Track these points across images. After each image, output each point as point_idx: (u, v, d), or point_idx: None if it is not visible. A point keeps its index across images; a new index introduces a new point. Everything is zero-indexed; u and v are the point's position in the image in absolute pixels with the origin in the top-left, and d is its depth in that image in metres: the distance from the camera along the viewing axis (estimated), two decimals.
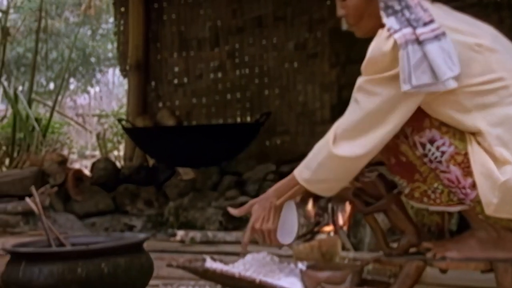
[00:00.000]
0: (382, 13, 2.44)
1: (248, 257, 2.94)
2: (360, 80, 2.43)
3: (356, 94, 2.45)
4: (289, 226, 2.71)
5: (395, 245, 2.67)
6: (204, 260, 2.89)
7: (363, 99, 2.42)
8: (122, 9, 8.78)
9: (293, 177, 2.59)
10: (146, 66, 8.56)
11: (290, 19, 7.64)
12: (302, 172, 2.55)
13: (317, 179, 2.51)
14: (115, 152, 12.56)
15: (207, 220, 6.19)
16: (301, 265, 2.87)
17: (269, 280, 2.69)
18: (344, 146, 2.44)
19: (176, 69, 8.50)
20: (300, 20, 7.55)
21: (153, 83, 8.60)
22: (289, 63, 7.66)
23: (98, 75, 18.57)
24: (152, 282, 2.74)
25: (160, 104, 8.53)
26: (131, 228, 6.53)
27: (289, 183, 2.63)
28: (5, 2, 13.56)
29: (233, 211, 2.81)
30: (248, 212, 2.73)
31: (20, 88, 12.79)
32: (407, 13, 2.39)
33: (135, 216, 6.81)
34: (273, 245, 2.68)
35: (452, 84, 2.33)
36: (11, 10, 11.36)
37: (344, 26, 2.65)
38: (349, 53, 7.03)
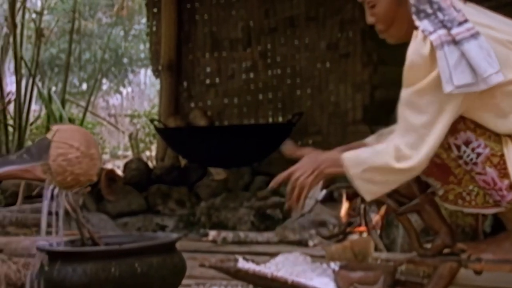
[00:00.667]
0: (414, 17, 2.42)
1: (281, 257, 2.94)
2: (404, 95, 2.39)
3: (403, 110, 2.40)
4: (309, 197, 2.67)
5: (428, 245, 2.65)
6: (236, 260, 2.89)
7: (411, 114, 2.37)
8: (155, 10, 8.82)
9: (343, 159, 2.50)
10: (178, 66, 8.58)
11: (322, 19, 7.62)
12: (353, 167, 2.45)
13: (365, 178, 2.45)
14: (147, 152, 12.62)
15: (238, 220, 6.19)
16: (334, 266, 2.86)
17: (302, 280, 2.68)
18: (402, 160, 2.39)
19: (208, 69, 8.52)
20: (332, 20, 7.53)
21: (185, 84, 8.62)
22: (321, 63, 7.64)
23: (130, 76, 18.65)
24: (184, 282, 2.74)
25: (192, 105, 8.55)
26: (163, 228, 6.56)
27: (338, 160, 2.51)
28: (39, 3, 13.68)
29: (287, 148, 2.75)
30: (297, 156, 2.65)
31: (54, 88, 12.88)
32: (440, 15, 2.37)
33: (167, 216, 6.83)
34: (294, 203, 2.58)
35: (494, 80, 2.30)
36: (45, 12, 11.45)
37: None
38: (381, 52, 6.99)
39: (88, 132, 2.71)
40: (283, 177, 2.57)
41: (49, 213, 5.60)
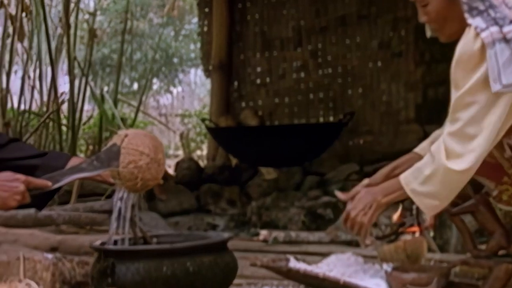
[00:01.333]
0: (467, 15, 2.38)
1: (332, 257, 2.92)
2: (453, 93, 2.37)
3: (454, 112, 2.38)
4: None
5: (482, 247, 2.61)
6: (287, 260, 2.88)
7: (462, 115, 2.35)
8: (206, 9, 8.86)
9: (398, 182, 2.53)
10: (229, 66, 8.61)
11: (374, 17, 7.58)
12: (410, 182, 2.48)
13: (424, 192, 2.44)
14: (198, 152, 12.69)
15: (289, 220, 6.18)
16: (386, 267, 2.83)
17: (353, 281, 2.66)
18: (454, 161, 2.36)
19: (259, 69, 8.53)
20: (384, 18, 7.48)
21: (236, 83, 8.65)
22: (373, 62, 7.60)
23: (181, 75, 18.78)
24: (235, 281, 2.75)
25: (243, 104, 8.57)
26: (214, 227, 6.58)
27: (395, 185, 2.55)
28: (92, 4, 13.85)
29: (340, 195, 2.77)
30: (353, 197, 2.68)
31: (105, 88, 13.04)
32: (492, 12, 2.34)
33: (218, 215, 6.85)
34: (359, 238, 2.63)
35: None
36: (98, 12, 11.59)
37: (428, 33, 2.61)
38: (434, 51, 6.93)
39: (155, 136, 2.72)
40: (344, 220, 2.62)
41: (106, 212, 5.66)
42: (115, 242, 2.71)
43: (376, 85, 7.58)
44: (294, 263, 2.84)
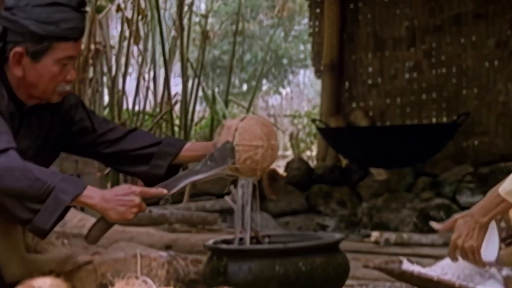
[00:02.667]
0: None
1: (446, 260, 2.86)
2: None
3: None
4: (491, 242, 2.60)
5: None
6: (400, 262, 2.84)
7: None
8: (317, 10, 8.85)
9: (498, 195, 2.47)
10: (340, 66, 8.57)
11: (491, 16, 7.40)
12: (507, 186, 2.42)
13: None
14: (308, 152, 12.68)
15: (401, 222, 6.12)
16: (505, 271, 2.75)
17: (469, 284, 2.60)
18: None
19: (370, 69, 8.46)
20: (502, 17, 7.30)
21: (346, 84, 8.60)
22: (489, 62, 7.43)
23: (290, 76, 18.82)
24: (347, 282, 2.73)
25: (354, 105, 8.52)
26: (324, 227, 6.57)
27: (494, 200, 2.50)
28: (203, 6, 14.06)
29: (436, 226, 2.74)
30: (452, 227, 2.64)
31: (216, 89, 13.20)
32: None
33: (328, 216, 6.84)
34: (477, 264, 2.57)
35: None
36: (210, 15, 11.75)
37: None
38: None
39: (264, 121, 2.70)
40: (451, 252, 2.58)
41: (217, 211, 5.73)
42: (228, 241, 2.73)
43: (492, 85, 7.40)
44: (407, 265, 2.80)
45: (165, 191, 2.56)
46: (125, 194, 2.47)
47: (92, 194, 2.44)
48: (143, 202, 2.50)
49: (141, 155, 2.85)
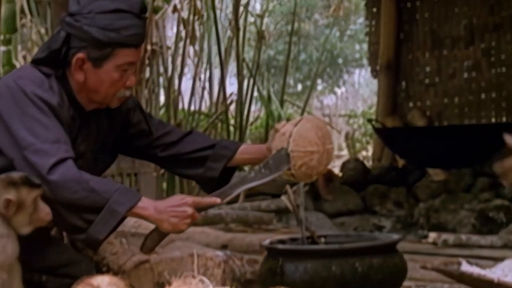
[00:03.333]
0: None
1: (507, 262, 2.81)
2: None
3: None
4: None
5: None
6: (459, 264, 2.80)
7: None
8: (374, 9, 8.81)
9: None
10: (397, 66, 8.51)
11: None
12: None
13: None
14: (363, 152, 12.61)
15: (459, 223, 6.04)
16: None
17: None
18: None
19: (428, 68, 8.39)
20: None
21: (403, 83, 8.54)
22: None
23: (345, 76, 18.76)
24: (404, 283, 2.71)
25: (411, 104, 8.46)
26: (380, 228, 6.52)
27: None
28: (258, 7, 14.09)
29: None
30: None
31: (271, 89, 13.22)
32: None
33: (384, 216, 6.79)
34: None
35: None
36: (265, 15, 11.77)
37: None
38: None
39: (319, 123, 2.68)
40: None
41: (272, 211, 5.74)
42: (284, 241, 2.73)
43: None
44: (466, 267, 2.76)
45: (218, 200, 2.57)
46: (178, 205, 2.50)
47: (146, 205, 2.47)
48: (196, 212, 2.52)
49: (196, 158, 2.87)
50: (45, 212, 2.33)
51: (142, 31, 2.66)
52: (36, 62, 2.67)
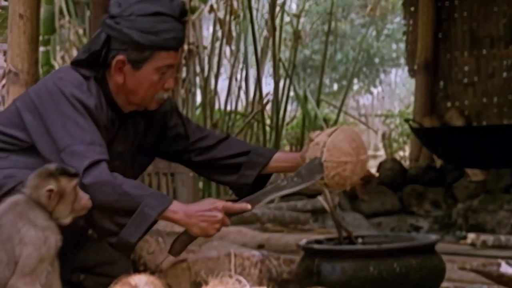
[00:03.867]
0: None
1: None
2: None
3: None
4: None
5: None
6: (499, 265, 2.77)
7: None
8: (412, 8, 8.75)
9: None
10: (435, 65, 8.45)
11: None
12: None
13: None
14: (400, 153, 12.54)
15: (498, 224, 5.99)
16: None
17: None
18: None
19: (466, 68, 8.31)
20: None
21: (441, 83, 8.47)
22: None
23: (382, 75, 18.67)
24: (442, 284, 2.68)
25: (449, 104, 8.38)
26: (417, 229, 6.49)
27: None
28: (294, 6, 14.07)
29: None
30: None
31: (307, 89, 13.21)
32: None
33: (421, 217, 6.75)
34: None
35: None
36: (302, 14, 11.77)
37: None
38: None
39: (354, 134, 2.68)
40: None
41: (309, 211, 5.73)
42: (321, 241, 2.72)
43: None
44: (506, 268, 2.73)
45: (249, 206, 2.57)
46: (209, 210, 2.50)
47: (177, 209, 2.48)
48: (226, 217, 2.52)
49: (230, 165, 2.88)
50: (85, 199, 2.37)
51: (181, 35, 2.67)
52: (76, 63, 2.70)
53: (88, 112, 2.56)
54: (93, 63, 2.65)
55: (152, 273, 2.75)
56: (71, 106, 2.54)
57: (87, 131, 2.53)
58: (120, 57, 2.61)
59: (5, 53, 4.46)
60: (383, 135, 12.90)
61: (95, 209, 2.43)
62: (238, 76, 9.95)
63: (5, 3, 5.58)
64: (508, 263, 2.81)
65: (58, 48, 8.51)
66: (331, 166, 2.58)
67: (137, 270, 2.88)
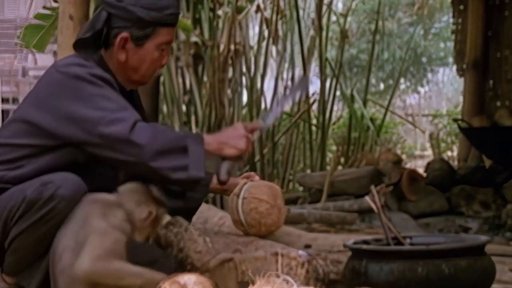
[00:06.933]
0: None
1: None
2: None
3: None
4: None
5: None
6: None
7: None
8: (461, 7, 8.65)
9: None
10: (485, 64, 8.34)
11: None
12: None
13: None
14: (449, 153, 12.42)
15: None
16: None
17: None
18: None
19: None
20: None
21: (491, 82, 8.36)
22: None
23: (429, 75, 18.52)
24: (492, 286, 2.65)
25: (498, 103, 8.26)
26: (466, 230, 6.42)
27: None
28: (340, 5, 14.03)
29: None
30: None
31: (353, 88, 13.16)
32: None
33: (470, 217, 6.68)
34: None
35: None
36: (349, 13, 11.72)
37: None
38: None
39: (273, 185, 3.07)
40: None
41: (355, 211, 5.71)
42: (368, 242, 2.70)
43: None
44: None
45: (261, 122, 2.78)
46: (231, 131, 2.63)
47: (209, 141, 2.57)
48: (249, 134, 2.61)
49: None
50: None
51: (178, 11, 2.75)
52: (79, 42, 2.71)
53: (107, 83, 2.59)
54: (94, 42, 2.67)
55: (199, 272, 2.76)
56: (89, 83, 2.56)
57: (113, 99, 2.56)
58: (124, 34, 2.64)
59: (55, 53, 4.51)
60: (431, 135, 12.76)
61: (155, 157, 2.48)
62: (284, 76, 9.94)
63: (56, 4, 5.65)
64: None
65: None
66: (248, 201, 2.96)
67: (184, 269, 2.89)
